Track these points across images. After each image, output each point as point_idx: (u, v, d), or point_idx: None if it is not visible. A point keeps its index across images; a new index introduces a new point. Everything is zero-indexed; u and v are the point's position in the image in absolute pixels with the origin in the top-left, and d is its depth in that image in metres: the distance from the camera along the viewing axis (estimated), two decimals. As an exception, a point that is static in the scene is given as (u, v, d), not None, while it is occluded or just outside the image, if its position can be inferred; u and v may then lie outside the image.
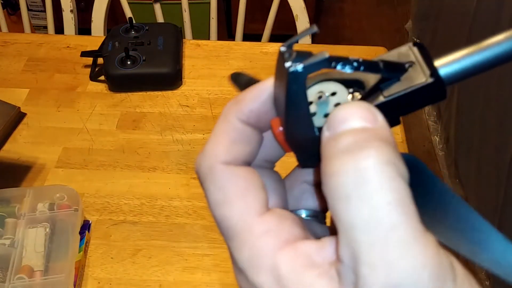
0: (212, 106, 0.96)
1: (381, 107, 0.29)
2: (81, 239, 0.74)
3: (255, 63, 1.06)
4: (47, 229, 0.72)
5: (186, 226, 0.78)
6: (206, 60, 1.06)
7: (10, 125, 0.92)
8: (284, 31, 1.56)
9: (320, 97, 0.30)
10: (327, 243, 0.23)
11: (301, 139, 0.30)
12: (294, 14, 1.25)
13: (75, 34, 1.29)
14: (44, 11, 1.47)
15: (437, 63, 0.29)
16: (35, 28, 2.19)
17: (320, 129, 0.29)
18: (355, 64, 0.28)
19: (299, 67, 0.27)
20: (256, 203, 0.25)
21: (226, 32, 2.45)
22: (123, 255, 0.75)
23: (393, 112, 0.30)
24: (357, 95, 0.30)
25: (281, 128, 0.30)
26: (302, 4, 1.24)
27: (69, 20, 1.28)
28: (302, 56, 0.27)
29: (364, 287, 0.20)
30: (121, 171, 0.86)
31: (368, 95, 0.30)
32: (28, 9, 1.65)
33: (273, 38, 1.30)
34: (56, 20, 1.37)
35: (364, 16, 2.77)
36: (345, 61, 0.28)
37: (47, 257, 0.70)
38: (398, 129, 0.93)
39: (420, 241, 0.20)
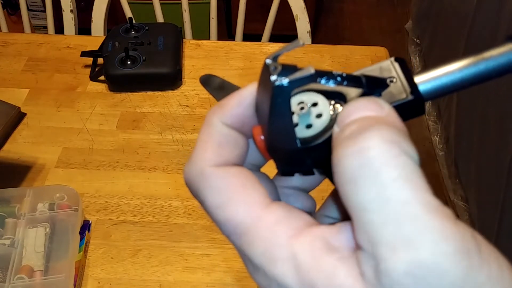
0: (212, 106, 0.96)
1: None
2: (81, 239, 0.74)
3: (255, 63, 1.06)
4: (47, 229, 0.72)
5: (186, 226, 0.78)
6: (206, 60, 1.06)
7: (10, 125, 0.92)
8: (284, 31, 1.56)
9: (302, 108, 0.30)
10: (343, 227, 0.22)
11: (282, 149, 0.29)
12: (294, 14, 1.25)
13: (75, 34, 1.29)
14: (44, 11, 1.46)
15: (417, 79, 0.30)
16: (35, 28, 2.19)
17: (301, 140, 0.29)
18: (338, 78, 0.28)
19: (285, 81, 0.26)
20: (259, 196, 0.24)
21: (226, 32, 2.45)
22: (123, 255, 0.75)
23: None
24: (338, 106, 0.30)
25: (262, 137, 0.29)
26: (302, 4, 1.24)
27: (69, 20, 1.28)
28: (287, 70, 0.26)
29: (386, 271, 0.19)
30: (121, 171, 0.86)
31: None
32: (28, 9, 1.65)
33: (273, 38, 1.30)
34: (56, 20, 1.37)
35: (364, 16, 2.77)
36: (329, 75, 0.28)
37: (47, 257, 0.70)
38: (398, 129, 0.93)
39: (435, 215, 0.19)
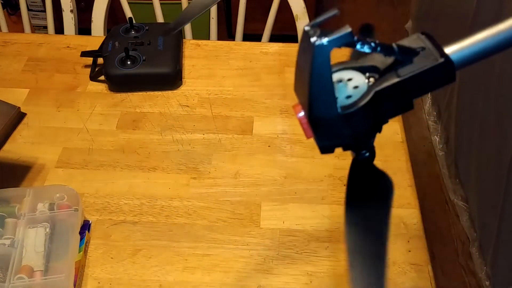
0: (212, 106, 0.96)
1: (395, 87, 0.32)
2: (81, 239, 0.74)
3: (255, 63, 1.06)
4: (47, 229, 0.72)
5: (186, 226, 0.78)
6: (206, 60, 1.06)
7: (10, 125, 0.92)
8: (284, 31, 1.56)
9: (340, 81, 0.33)
10: None
11: (323, 118, 0.32)
12: (294, 14, 1.25)
13: (75, 34, 1.29)
14: (44, 11, 1.47)
15: (446, 49, 0.32)
16: (35, 28, 2.20)
17: (342, 108, 0.31)
18: (372, 44, 0.30)
19: (324, 40, 0.29)
20: None
21: (226, 32, 2.45)
22: (123, 255, 0.75)
23: (406, 93, 0.32)
24: (372, 79, 0.33)
25: (302, 113, 0.32)
26: (302, 4, 1.24)
27: (69, 20, 1.28)
28: (326, 32, 0.29)
29: None
30: (121, 171, 0.86)
31: (382, 78, 0.33)
32: (28, 9, 1.65)
33: (273, 38, 1.30)
34: (56, 20, 1.37)
35: (364, 16, 2.77)
36: (364, 41, 0.30)
37: (47, 257, 0.70)
38: (398, 129, 0.93)
39: None
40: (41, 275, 0.68)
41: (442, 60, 0.31)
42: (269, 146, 0.89)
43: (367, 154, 0.38)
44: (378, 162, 0.91)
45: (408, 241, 0.77)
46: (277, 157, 0.88)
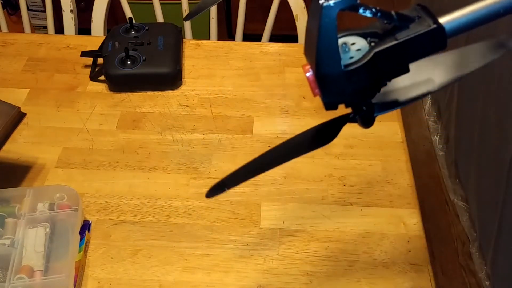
0: (212, 106, 0.96)
1: (393, 48, 0.37)
2: (81, 239, 0.74)
3: (255, 63, 1.06)
4: (47, 229, 0.72)
5: (186, 226, 0.78)
6: (206, 60, 1.06)
7: (10, 125, 0.92)
8: (284, 31, 1.56)
9: (344, 44, 0.37)
10: None
11: (328, 75, 0.37)
12: (294, 14, 1.25)
13: (75, 34, 1.29)
14: (44, 11, 1.46)
15: (440, 19, 0.37)
16: (35, 28, 2.19)
17: (345, 66, 0.36)
18: (374, 10, 0.36)
19: (331, 2, 0.34)
20: None
21: (226, 32, 2.45)
22: (123, 255, 0.75)
23: (403, 55, 0.37)
24: (373, 44, 0.37)
25: (311, 72, 0.37)
26: (302, 4, 1.24)
27: (69, 20, 1.28)
28: None
29: None
30: (121, 171, 0.86)
31: (382, 41, 0.37)
32: (28, 9, 1.65)
33: (273, 38, 1.30)
34: (56, 20, 1.37)
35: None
36: (367, 6, 0.35)
37: (47, 257, 0.70)
38: (398, 129, 0.93)
39: None
40: (41, 275, 0.68)
41: (434, 26, 0.36)
42: (269, 146, 0.89)
43: (362, 118, 0.44)
44: (378, 162, 0.91)
45: (408, 241, 0.77)
46: (277, 157, 0.88)
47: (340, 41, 0.37)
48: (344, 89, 0.38)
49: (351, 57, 0.37)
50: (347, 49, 0.37)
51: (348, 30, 0.38)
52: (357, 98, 0.40)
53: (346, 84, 0.37)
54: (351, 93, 0.38)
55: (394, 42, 0.37)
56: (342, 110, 0.43)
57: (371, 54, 0.37)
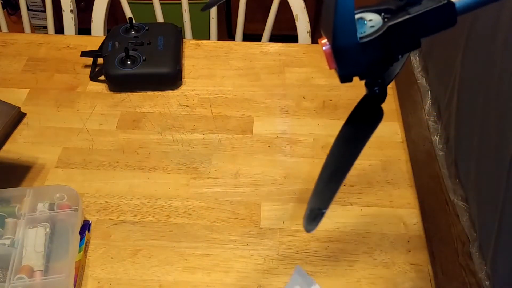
0: (212, 106, 0.96)
1: (405, 22, 0.39)
2: (81, 239, 0.74)
3: (255, 63, 1.06)
4: (47, 229, 0.72)
5: (186, 226, 0.78)
6: (206, 60, 1.06)
7: (10, 125, 0.92)
8: (284, 31, 1.56)
9: (360, 19, 0.39)
10: None
11: (344, 48, 0.39)
12: (294, 14, 1.25)
13: (75, 34, 1.29)
14: (44, 11, 1.47)
15: None
16: (35, 28, 2.19)
17: (360, 38, 0.38)
18: None
19: None
20: None
21: (226, 32, 2.45)
22: (123, 255, 0.75)
23: (414, 30, 0.39)
24: (387, 19, 0.39)
25: (328, 46, 0.39)
26: (302, 4, 1.24)
27: (69, 20, 1.28)
28: None
29: None
30: (121, 171, 0.86)
31: (395, 15, 0.39)
32: (28, 9, 1.65)
33: (273, 38, 1.30)
34: (56, 20, 1.37)
35: None
36: None
37: (47, 257, 0.70)
38: (398, 129, 0.93)
39: None
40: (41, 275, 0.68)
41: (445, 1, 0.38)
42: (269, 146, 0.89)
43: (378, 91, 0.45)
44: (378, 162, 0.91)
45: (408, 241, 0.77)
46: (277, 157, 0.88)
47: (356, 16, 0.40)
48: (359, 61, 0.40)
49: (366, 31, 0.39)
50: (362, 23, 0.40)
51: (363, 7, 0.41)
52: (372, 70, 0.42)
53: (361, 56, 0.39)
54: (366, 65, 0.41)
55: (407, 16, 0.39)
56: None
57: (385, 28, 0.40)
